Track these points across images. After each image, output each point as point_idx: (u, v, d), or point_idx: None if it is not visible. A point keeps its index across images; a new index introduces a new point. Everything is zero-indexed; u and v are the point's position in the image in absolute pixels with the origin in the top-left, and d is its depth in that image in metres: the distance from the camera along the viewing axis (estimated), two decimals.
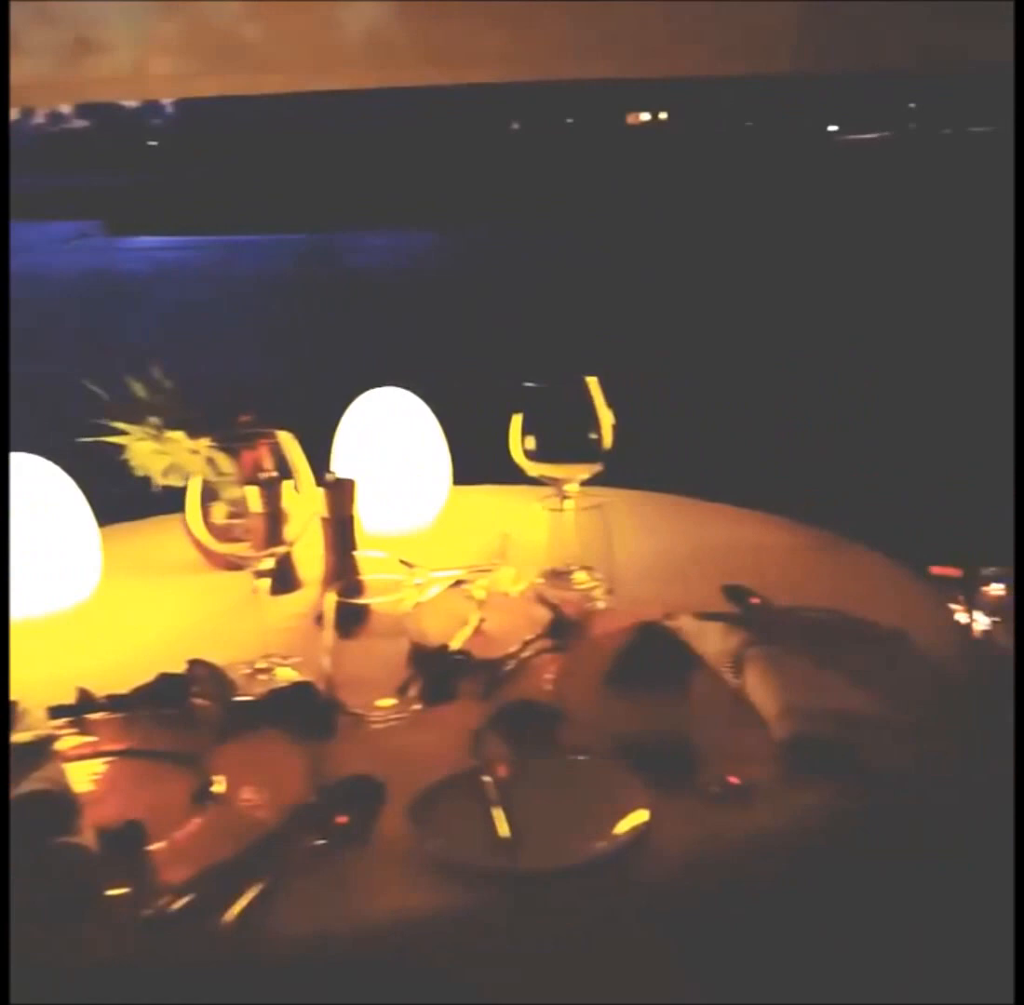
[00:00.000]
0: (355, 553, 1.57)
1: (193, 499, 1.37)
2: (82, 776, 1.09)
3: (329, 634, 1.22)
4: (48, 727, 1.15)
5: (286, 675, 1.32)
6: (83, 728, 1.18)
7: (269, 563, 1.35)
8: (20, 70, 2.13)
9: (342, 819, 0.98)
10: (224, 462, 1.51)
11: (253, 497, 1.41)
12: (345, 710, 1.19)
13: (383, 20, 2.19)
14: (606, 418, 1.54)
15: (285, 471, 1.42)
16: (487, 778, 1.03)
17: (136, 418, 1.66)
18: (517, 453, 1.54)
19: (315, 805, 1.01)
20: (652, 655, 1.26)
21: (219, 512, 1.68)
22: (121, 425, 1.65)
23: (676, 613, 1.34)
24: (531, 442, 1.53)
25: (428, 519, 1.80)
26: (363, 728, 1.17)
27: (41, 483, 1.55)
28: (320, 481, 1.57)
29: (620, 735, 1.09)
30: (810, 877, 1.01)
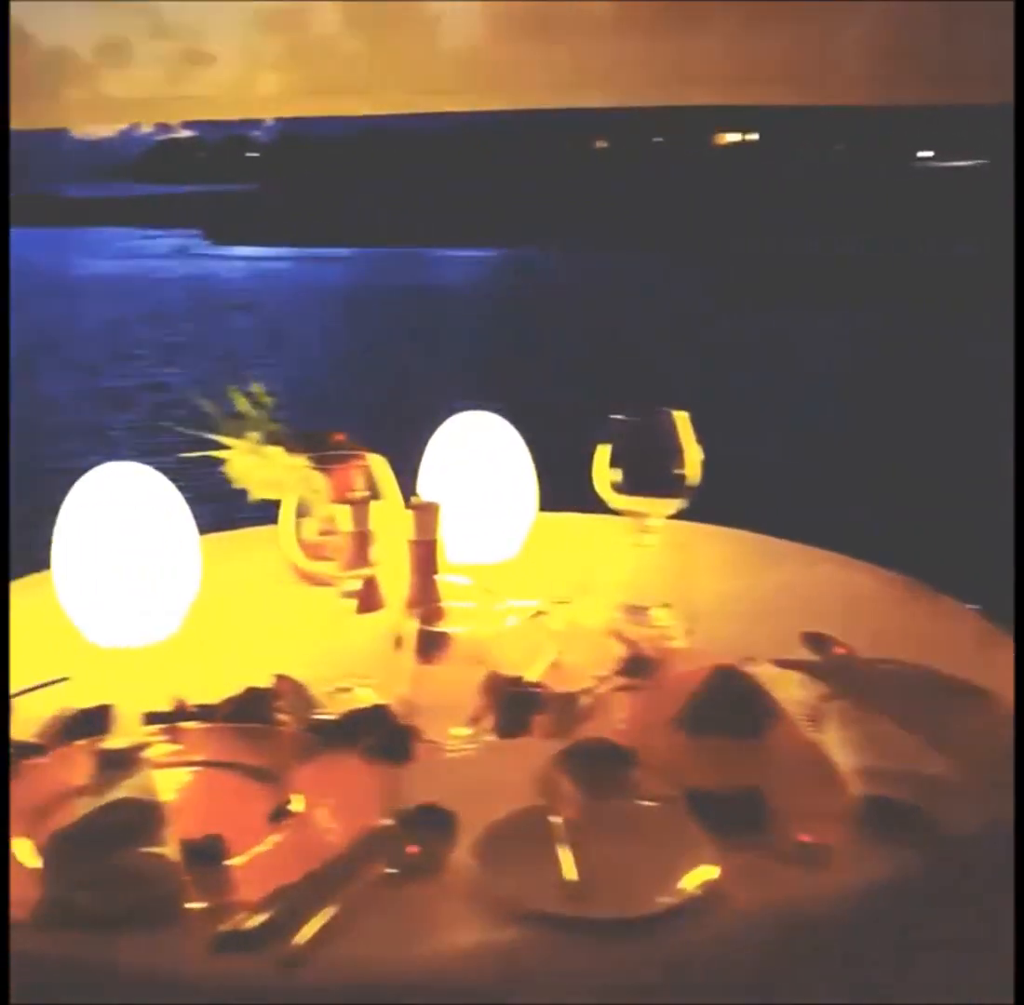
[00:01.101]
0: (437, 577, 1.59)
1: (287, 516, 1.41)
2: (168, 785, 1.13)
3: (407, 658, 1.25)
4: (141, 733, 1.18)
5: (365, 696, 1.35)
6: (174, 736, 1.22)
7: (355, 583, 1.38)
8: (132, 83, 2.22)
9: (413, 849, 1.00)
10: (318, 480, 1.55)
11: (343, 516, 1.44)
12: (420, 736, 1.21)
13: (480, 45, 2.23)
14: (694, 453, 1.54)
15: (375, 492, 1.46)
16: (555, 818, 1.04)
17: (237, 432, 1.71)
18: (602, 485, 1.55)
19: (388, 831, 1.03)
20: (727, 701, 1.26)
21: (310, 529, 1.72)
22: (224, 439, 1.70)
23: (754, 658, 1.33)
24: (616, 475, 1.53)
25: (512, 549, 1.81)
26: (437, 756, 1.19)
27: (144, 491, 1.59)
28: (406, 504, 1.60)
29: (691, 783, 1.09)
30: (877, 940, 1.00)
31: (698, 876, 0.96)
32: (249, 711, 1.27)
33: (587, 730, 1.24)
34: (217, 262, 14.45)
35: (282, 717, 1.27)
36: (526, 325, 9.78)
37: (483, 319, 10.11)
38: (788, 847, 1.01)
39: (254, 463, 1.67)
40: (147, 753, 1.13)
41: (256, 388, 1.74)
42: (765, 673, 1.29)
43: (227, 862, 1.00)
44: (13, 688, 1.32)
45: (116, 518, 1.54)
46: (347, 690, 1.37)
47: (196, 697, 1.30)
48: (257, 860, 1.01)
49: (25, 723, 1.25)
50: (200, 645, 1.53)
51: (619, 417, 1.54)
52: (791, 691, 1.23)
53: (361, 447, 1.75)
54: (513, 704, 1.27)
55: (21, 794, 1.10)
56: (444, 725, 1.23)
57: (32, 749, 1.18)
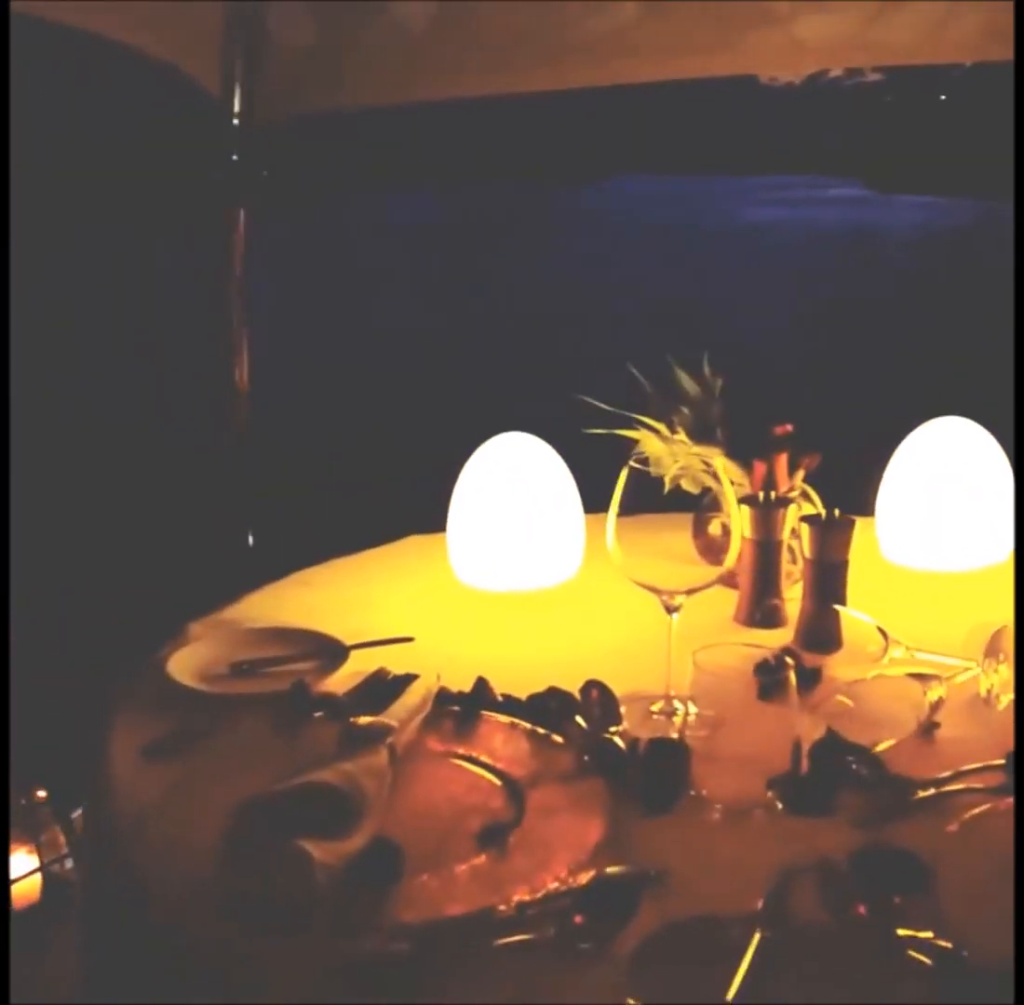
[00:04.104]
0: (837, 608, 1.35)
1: (614, 510, 1.24)
2: (414, 770, 1.07)
3: (747, 691, 1.05)
4: (410, 714, 1.13)
5: (679, 723, 1.18)
6: (462, 721, 1.16)
7: (681, 600, 1.20)
8: (821, 28, 2.20)
9: (578, 918, 0.84)
10: (729, 474, 1.39)
11: (737, 519, 1.27)
12: (695, 787, 1.02)
13: None
14: None
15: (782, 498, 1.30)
16: (762, 934, 0.80)
17: (662, 413, 1.58)
18: None
19: (574, 893, 0.87)
20: None
21: (716, 527, 1.58)
22: (646, 418, 1.58)
23: None
24: None
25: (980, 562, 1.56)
26: (693, 816, 0.99)
27: (534, 462, 1.54)
28: (811, 517, 1.38)
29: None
30: None
31: None
32: (542, 716, 1.16)
33: (904, 831, 0.95)
34: (879, 211, 13.38)
35: (575, 727, 1.14)
36: None
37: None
38: None
39: (664, 449, 1.53)
40: (395, 737, 1.07)
41: (707, 369, 1.61)
42: None
43: (400, 877, 0.91)
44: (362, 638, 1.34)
45: (501, 488, 1.51)
46: (666, 715, 1.20)
47: (504, 686, 1.22)
48: (431, 881, 0.91)
49: (350, 677, 1.27)
50: (539, 624, 1.46)
51: None
52: None
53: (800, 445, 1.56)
54: (825, 778, 1.02)
55: (288, 750, 1.11)
56: (732, 782, 1.02)
57: (326, 705, 1.19)
